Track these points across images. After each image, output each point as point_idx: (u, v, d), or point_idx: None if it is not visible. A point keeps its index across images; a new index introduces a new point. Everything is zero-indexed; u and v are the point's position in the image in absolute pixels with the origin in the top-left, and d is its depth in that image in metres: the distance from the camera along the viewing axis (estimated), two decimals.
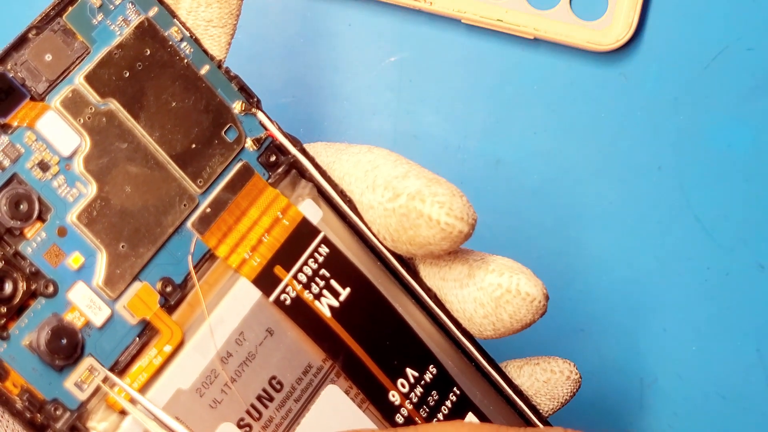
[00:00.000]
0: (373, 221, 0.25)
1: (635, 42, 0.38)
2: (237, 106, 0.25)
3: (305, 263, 0.25)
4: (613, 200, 0.38)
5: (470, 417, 0.27)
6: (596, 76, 0.38)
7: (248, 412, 0.23)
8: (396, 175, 0.25)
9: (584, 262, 0.38)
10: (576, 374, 0.28)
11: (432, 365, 0.26)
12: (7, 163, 0.21)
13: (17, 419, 0.21)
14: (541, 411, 0.28)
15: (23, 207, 0.21)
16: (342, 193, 0.26)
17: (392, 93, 0.38)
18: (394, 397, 0.25)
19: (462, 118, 0.38)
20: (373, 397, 0.25)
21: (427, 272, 0.27)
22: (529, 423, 0.27)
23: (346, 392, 0.25)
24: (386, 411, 0.25)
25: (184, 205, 0.24)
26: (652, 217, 0.38)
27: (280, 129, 0.25)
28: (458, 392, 0.26)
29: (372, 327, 0.25)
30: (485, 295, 0.26)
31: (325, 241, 0.25)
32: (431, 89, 0.38)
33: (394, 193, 0.25)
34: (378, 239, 0.26)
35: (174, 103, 0.24)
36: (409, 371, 0.26)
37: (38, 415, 0.21)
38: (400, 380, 0.26)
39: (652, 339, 0.38)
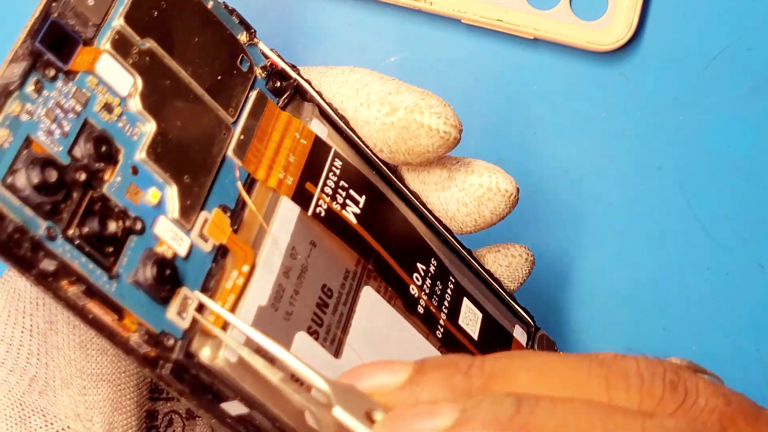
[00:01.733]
0: (369, 136, 0.27)
1: (635, 42, 0.38)
2: (242, 38, 0.26)
3: (327, 177, 0.26)
4: (613, 200, 0.38)
5: (466, 303, 0.30)
6: (596, 76, 0.38)
7: (313, 320, 0.24)
8: (389, 90, 0.27)
9: (584, 262, 0.38)
10: (531, 256, 0.31)
11: (433, 258, 0.29)
12: (79, 108, 0.22)
13: (131, 356, 0.21)
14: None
15: (104, 149, 0.22)
16: (336, 111, 0.27)
17: None
18: (413, 290, 0.28)
19: (462, 118, 0.38)
20: (399, 292, 0.27)
21: (408, 178, 0.29)
22: (502, 299, 0.31)
23: (378, 291, 0.27)
24: (409, 304, 0.27)
25: (224, 134, 0.24)
26: (652, 217, 0.38)
27: (279, 56, 0.26)
28: (453, 281, 0.29)
29: (388, 229, 0.27)
30: (467, 195, 0.28)
31: (337, 155, 0.27)
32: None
33: (391, 107, 0.27)
34: (373, 152, 0.28)
35: (196, 38, 0.24)
36: (419, 266, 0.28)
37: (154, 348, 0.21)
38: (415, 274, 0.28)
39: (652, 339, 0.38)
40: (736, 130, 0.38)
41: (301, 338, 0.24)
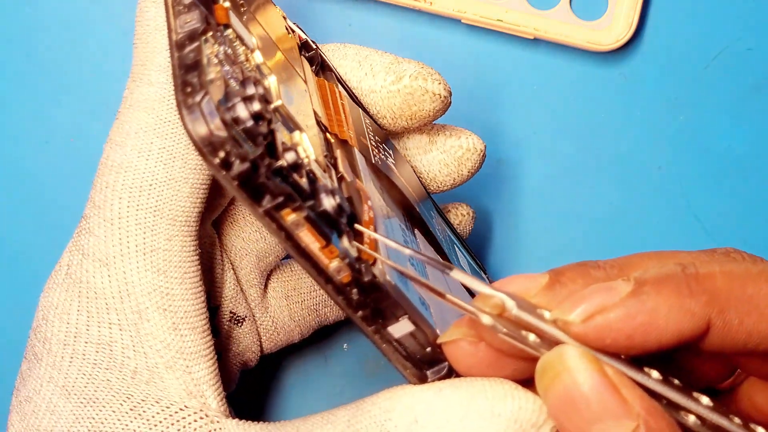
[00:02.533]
0: (374, 104, 0.29)
1: (635, 42, 0.38)
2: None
3: (369, 131, 0.28)
4: (613, 200, 0.38)
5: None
6: (596, 76, 0.38)
7: (410, 258, 0.25)
8: (390, 61, 0.29)
9: None
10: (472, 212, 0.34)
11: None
12: (235, 56, 0.23)
13: (327, 286, 0.22)
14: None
15: (262, 92, 0.22)
16: (344, 82, 0.29)
17: None
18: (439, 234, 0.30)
19: (462, 118, 0.38)
20: (431, 241, 0.29)
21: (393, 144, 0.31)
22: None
23: (412, 231, 0.28)
24: (430, 236, 0.29)
25: (305, 91, 0.26)
26: (652, 217, 0.38)
27: (300, 28, 0.28)
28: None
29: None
30: (449, 157, 0.31)
31: (366, 112, 0.29)
32: None
33: (397, 76, 0.29)
34: (375, 120, 0.30)
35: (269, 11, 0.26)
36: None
37: (349, 273, 0.22)
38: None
39: None
40: (736, 130, 0.38)
41: (408, 266, 0.25)
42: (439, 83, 0.29)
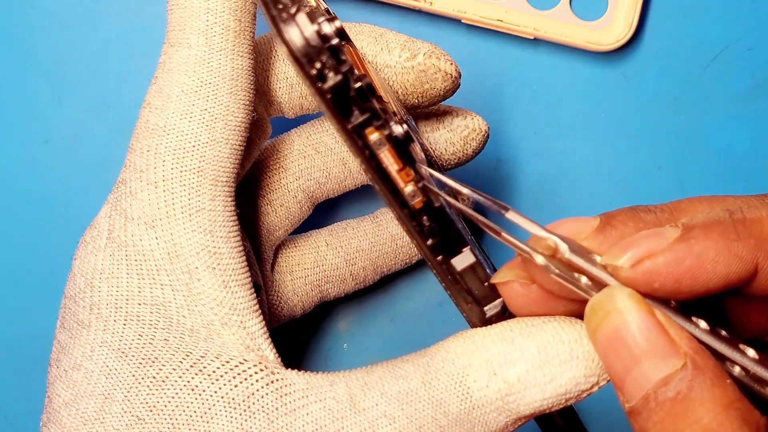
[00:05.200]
0: (387, 79, 0.30)
1: (635, 42, 0.38)
2: None
3: (390, 97, 0.29)
4: (613, 200, 0.38)
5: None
6: (596, 76, 0.38)
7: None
8: (406, 39, 0.30)
9: None
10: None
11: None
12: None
13: (402, 211, 0.23)
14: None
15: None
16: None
17: None
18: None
19: None
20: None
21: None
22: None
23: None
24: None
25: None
26: None
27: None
28: None
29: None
30: (455, 135, 0.32)
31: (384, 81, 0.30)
32: None
33: (412, 53, 0.29)
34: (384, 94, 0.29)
35: None
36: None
37: (422, 198, 0.23)
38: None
39: None
40: (736, 130, 0.38)
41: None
42: (451, 63, 0.30)
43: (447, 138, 0.32)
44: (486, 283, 0.24)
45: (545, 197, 0.38)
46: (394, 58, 0.29)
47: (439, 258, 0.24)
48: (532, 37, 0.37)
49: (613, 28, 0.37)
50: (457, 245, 0.24)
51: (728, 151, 0.38)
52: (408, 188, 0.23)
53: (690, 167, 0.38)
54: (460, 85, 0.30)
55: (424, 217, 0.24)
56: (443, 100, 0.30)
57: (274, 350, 0.25)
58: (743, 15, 0.38)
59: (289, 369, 0.25)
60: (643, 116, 0.38)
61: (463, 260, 0.24)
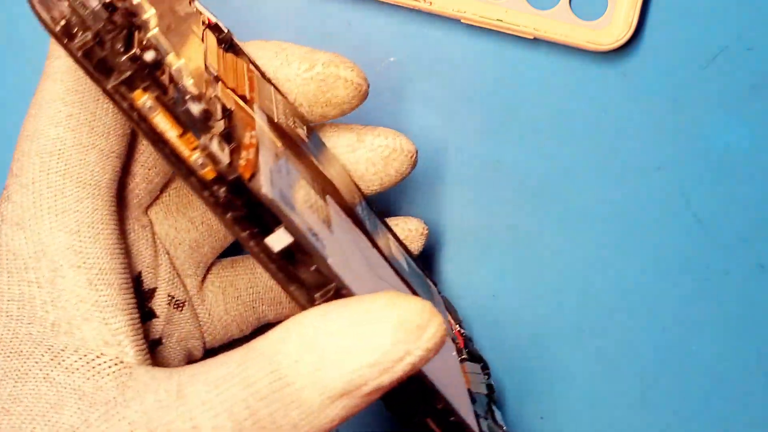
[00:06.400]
0: (290, 92, 0.30)
1: (635, 42, 0.38)
2: None
3: (277, 103, 0.29)
4: (613, 200, 0.38)
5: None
6: (596, 76, 0.38)
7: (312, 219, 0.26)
8: (306, 51, 0.31)
9: (584, 262, 0.38)
10: (425, 229, 0.34)
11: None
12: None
13: (190, 179, 0.23)
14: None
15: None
16: (260, 69, 0.30)
17: (392, 93, 0.38)
18: (360, 211, 0.30)
19: (462, 118, 0.38)
20: (349, 212, 0.29)
21: (324, 138, 0.32)
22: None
23: (338, 203, 0.28)
24: (357, 222, 0.29)
25: (200, 46, 0.27)
26: (652, 217, 0.38)
27: (212, 13, 0.29)
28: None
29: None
30: (375, 155, 0.32)
31: (276, 92, 0.30)
32: (431, 89, 0.38)
33: (310, 64, 0.30)
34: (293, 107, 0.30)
35: None
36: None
37: (213, 168, 0.23)
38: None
39: (652, 339, 0.38)
40: (736, 130, 0.38)
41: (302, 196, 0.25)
42: (352, 70, 0.30)
43: (368, 158, 0.32)
44: (313, 268, 0.23)
45: (545, 197, 0.38)
46: (293, 70, 0.30)
47: (246, 233, 0.23)
48: (531, 37, 0.37)
49: (612, 28, 0.36)
50: (269, 224, 0.23)
51: (728, 151, 0.38)
52: (194, 156, 0.23)
53: (690, 167, 0.38)
54: (366, 91, 0.31)
55: (221, 189, 0.23)
56: (352, 108, 0.31)
57: (140, 347, 0.26)
58: (743, 15, 0.38)
59: (146, 365, 0.26)
60: (643, 116, 0.38)
61: (279, 240, 0.23)
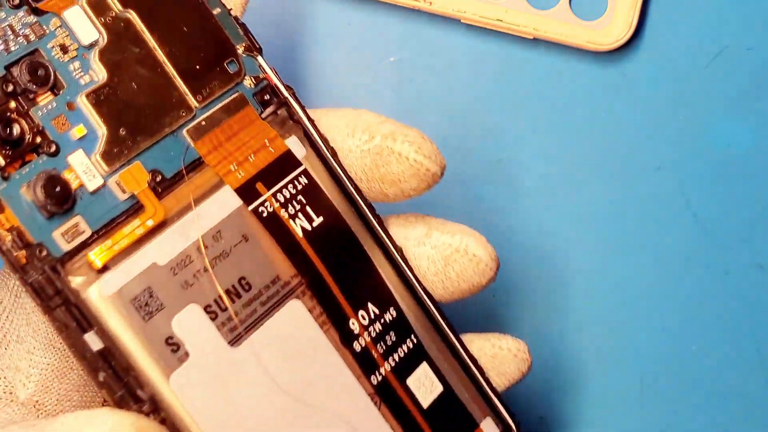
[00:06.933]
0: (351, 165, 0.28)
1: (635, 42, 0.38)
2: (240, 47, 0.28)
3: (285, 186, 0.27)
4: (613, 200, 0.38)
5: (425, 367, 0.28)
6: (596, 76, 0.38)
7: (215, 301, 0.25)
8: (376, 122, 0.28)
9: (584, 262, 0.38)
10: (525, 354, 0.30)
11: (393, 309, 0.28)
12: (32, 37, 0.24)
13: (4, 256, 0.23)
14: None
15: (41, 73, 0.24)
16: (325, 140, 0.28)
17: (392, 93, 0.38)
18: (354, 325, 0.27)
19: (462, 118, 0.38)
20: (335, 320, 0.27)
21: (393, 232, 0.29)
22: (480, 389, 0.29)
23: (310, 310, 0.26)
24: (345, 336, 0.27)
25: (183, 113, 0.26)
26: (651, 217, 0.38)
27: (276, 74, 0.28)
28: (415, 341, 0.28)
29: (340, 257, 0.27)
30: (437, 253, 0.28)
31: (306, 173, 0.27)
32: (431, 89, 0.38)
33: (370, 135, 0.28)
34: (355, 185, 0.28)
35: (185, 29, 0.27)
36: (371, 306, 0.27)
37: (23, 252, 0.23)
38: (361, 311, 0.27)
39: (652, 339, 0.38)
40: (736, 130, 0.38)
41: (193, 310, 0.25)
42: (411, 145, 0.27)
43: (429, 255, 0.28)
44: (109, 371, 0.24)
45: (545, 197, 0.38)
46: (355, 141, 0.28)
47: (64, 327, 0.23)
48: (531, 37, 0.37)
49: (612, 28, 0.37)
50: (87, 322, 0.23)
51: (728, 151, 0.38)
52: (8, 238, 0.23)
53: (690, 167, 0.38)
54: (427, 171, 0.27)
55: (32, 275, 0.23)
56: (413, 189, 0.28)
57: (39, 388, 0.26)
58: (743, 15, 0.38)
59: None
60: (643, 116, 0.38)
61: (91, 342, 0.23)
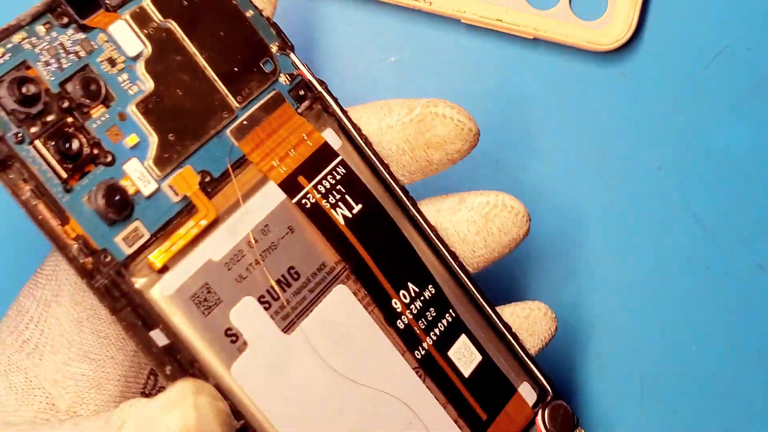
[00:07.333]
0: (393, 140, 0.30)
1: (635, 42, 0.38)
2: (274, 46, 0.29)
3: (324, 178, 0.28)
4: (613, 200, 0.38)
5: (464, 339, 0.30)
6: (596, 76, 0.38)
7: (268, 291, 0.27)
8: (407, 100, 0.30)
9: (584, 262, 0.38)
10: (552, 313, 0.32)
11: (431, 286, 0.30)
12: (82, 53, 0.26)
13: (71, 264, 0.24)
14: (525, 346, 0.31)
15: (93, 87, 0.25)
16: (359, 130, 0.29)
17: (392, 93, 0.38)
18: (396, 305, 0.29)
19: None
20: (378, 301, 0.28)
21: (425, 210, 0.31)
22: (516, 355, 0.31)
23: (354, 293, 0.28)
24: (389, 316, 0.28)
25: (225, 114, 0.28)
26: (652, 217, 0.38)
27: (309, 70, 0.29)
28: (454, 315, 0.30)
29: (380, 241, 0.29)
30: (476, 214, 0.30)
31: (343, 163, 0.29)
32: (431, 89, 0.38)
33: (409, 108, 0.30)
34: (389, 170, 0.30)
35: (222, 33, 0.28)
36: (411, 286, 0.29)
37: (89, 259, 0.24)
38: (402, 291, 0.29)
39: (652, 339, 0.38)
40: (736, 130, 0.38)
41: (248, 302, 0.26)
42: (452, 108, 0.29)
43: (468, 218, 0.30)
44: (175, 365, 0.25)
45: (545, 197, 0.38)
46: (395, 117, 0.30)
47: (125, 323, 0.25)
48: (531, 37, 0.37)
49: (612, 28, 0.37)
50: (151, 321, 0.25)
51: (728, 151, 0.38)
52: (74, 247, 0.24)
53: (690, 167, 0.38)
54: (473, 132, 0.29)
55: (100, 280, 0.25)
56: (458, 151, 0.30)
57: (77, 399, 0.27)
58: (743, 15, 0.38)
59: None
60: (643, 116, 0.38)
61: (157, 338, 0.25)
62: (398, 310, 0.29)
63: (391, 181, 0.30)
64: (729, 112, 0.38)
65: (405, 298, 0.29)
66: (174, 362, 0.25)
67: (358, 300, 0.28)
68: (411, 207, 0.30)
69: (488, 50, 0.38)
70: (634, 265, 0.38)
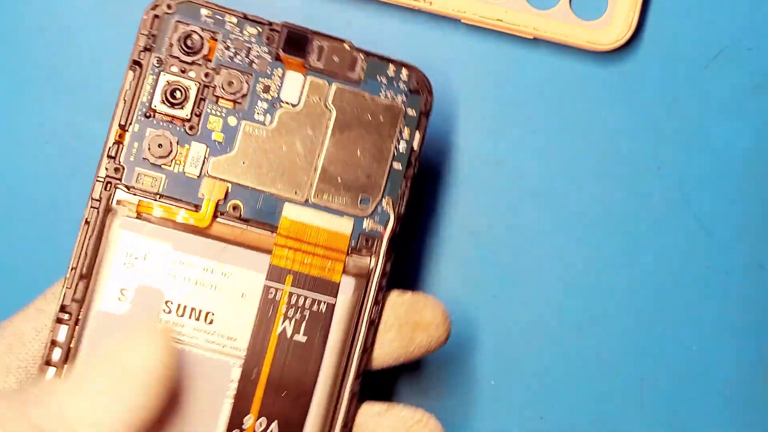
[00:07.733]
0: (386, 320, 0.31)
1: (635, 42, 0.38)
2: (386, 201, 0.31)
3: (306, 297, 0.30)
4: (613, 200, 0.38)
5: None
6: (596, 76, 0.38)
7: (179, 305, 0.29)
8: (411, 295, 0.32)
9: (584, 262, 0.38)
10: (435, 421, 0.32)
11: None
12: (255, 65, 0.30)
13: (106, 154, 0.30)
14: None
15: (236, 86, 0.30)
16: (379, 317, 0.31)
17: None
18: (248, 422, 0.29)
19: (462, 117, 0.38)
20: (238, 404, 0.29)
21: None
22: None
23: (231, 381, 0.29)
24: (234, 421, 0.29)
25: (296, 193, 0.30)
26: (652, 217, 0.38)
27: (391, 236, 0.30)
28: None
29: (290, 373, 0.30)
30: (399, 424, 0.31)
31: (330, 308, 0.30)
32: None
33: (402, 292, 0.31)
34: (367, 351, 0.30)
35: (358, 151, 0.30)
36: (273, 426, 0.30)
37: (112, 164, 0.30)
38: (263, 420, 0.29)
39: (652, 339, 0.38)
40: (736, 130, 0.38)
41: (156, 294, 0.29)
42: (440, 303, 0.31)
43: (391, 425, 0.31)
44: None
45: (545, 197, 0.38)
46: (392, 297, 0.31)
47: (87, 223, 0.29)
48: (531, 37, 0.37)
49: (612, 28, 0.36)
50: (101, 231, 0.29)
51: (728, 150, 0.38)
52: (116, 147, 0.30)
53: (690, 167, 0.38)
54: (449, 330, 0.31)
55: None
56: (436, 341, 0.31)
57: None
58: (743, 15, 0.38)
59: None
60: (643, 116, 0.38)
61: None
62: (245, 428, 0.29)
63: (355, 365, 0.30)
64: (729, 112, 0.38)
65: (259, 426, 0.29)
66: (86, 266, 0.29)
67: (227, 387, 0.29)
68: (346, 398, 0.30)
69: (488, 50, 0.38)
70: (634, 264, 0.38)
